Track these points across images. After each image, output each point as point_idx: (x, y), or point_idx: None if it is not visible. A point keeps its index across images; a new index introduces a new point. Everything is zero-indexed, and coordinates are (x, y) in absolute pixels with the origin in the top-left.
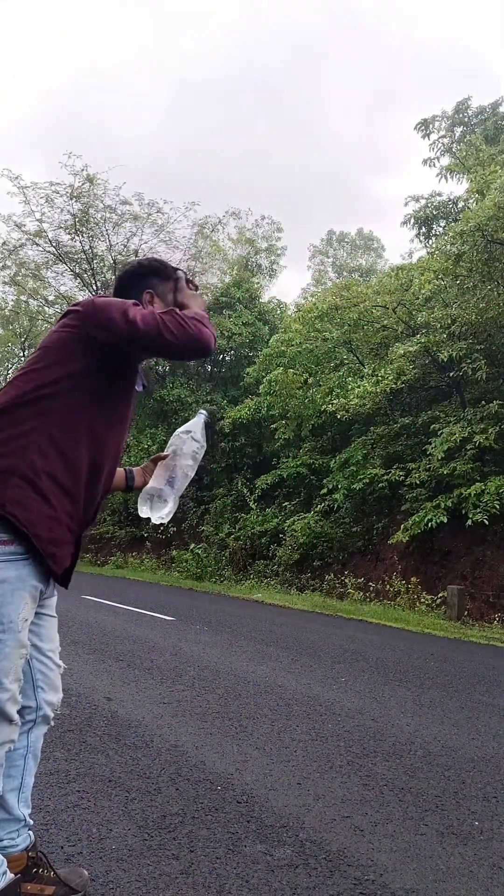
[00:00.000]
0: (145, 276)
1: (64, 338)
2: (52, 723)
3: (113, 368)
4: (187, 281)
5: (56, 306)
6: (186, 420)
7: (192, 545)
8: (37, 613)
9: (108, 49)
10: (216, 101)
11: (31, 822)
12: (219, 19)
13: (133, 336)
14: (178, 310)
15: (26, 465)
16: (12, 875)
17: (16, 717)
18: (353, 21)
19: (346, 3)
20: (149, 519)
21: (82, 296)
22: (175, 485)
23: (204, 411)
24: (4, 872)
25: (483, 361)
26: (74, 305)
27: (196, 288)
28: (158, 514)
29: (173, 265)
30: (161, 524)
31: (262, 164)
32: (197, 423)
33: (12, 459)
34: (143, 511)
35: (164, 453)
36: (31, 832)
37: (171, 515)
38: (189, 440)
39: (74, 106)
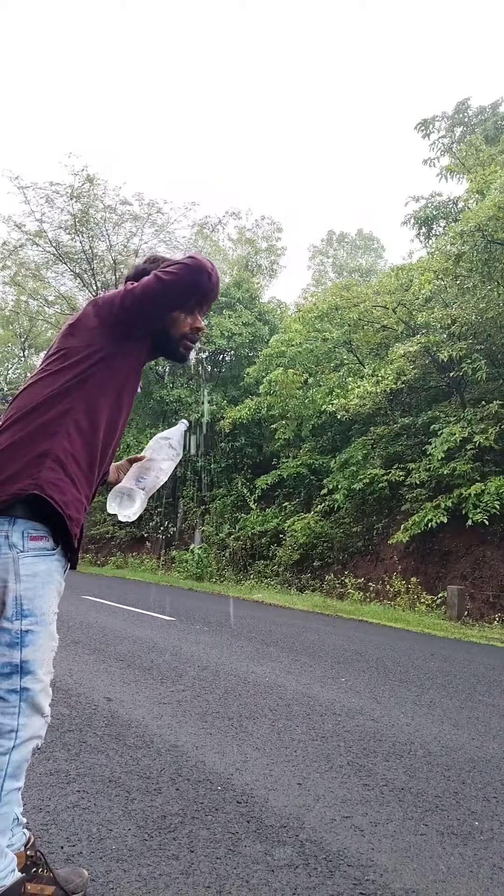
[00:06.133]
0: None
1: (83, 336)
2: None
3: (125, 358)
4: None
5: (56, 306)
6: (186, 420)
7: (193, 545)
8: None
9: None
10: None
11: (25, 819)
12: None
13: (138, 300)
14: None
15: (58, 449)
16: (20, 874)
17: (47, 710)
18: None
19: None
20: (150, 520)
21: (83, 296)
22: (146, 486)
23: (185, 421)
24: (13, 870)
25: (483, 361)
26: (82, 309)
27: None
28: (126, 511)
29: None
30: (127, 521)
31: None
32: (176, 431)
33: (46, 443)
34: (112, 507)
35: (141, 455)
36: (26, 830)
37: (137, 515)
38: (166, 446)
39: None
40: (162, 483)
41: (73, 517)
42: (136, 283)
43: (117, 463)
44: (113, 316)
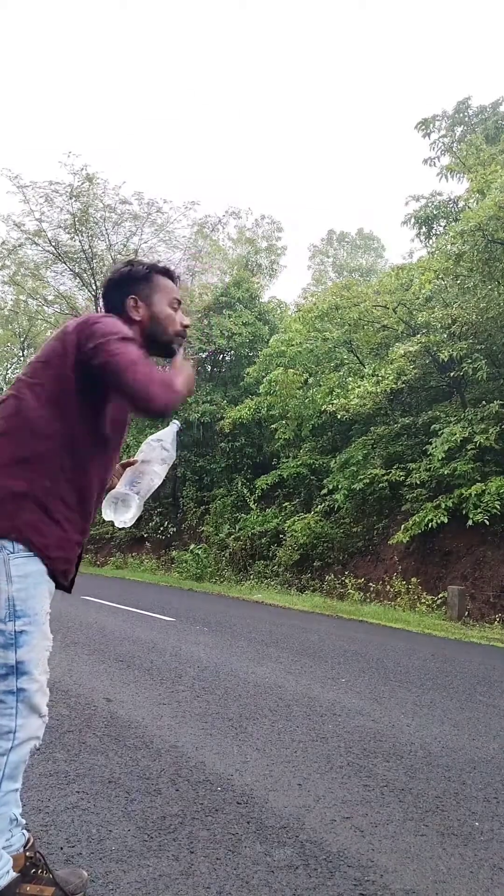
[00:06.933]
0: (127, 282)
1: (60, 356)
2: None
3: (98, 385)
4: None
5: (55, 306)
6: (185, 420)
7: (192, 545)
8: None
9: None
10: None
11: (24, 821)
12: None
13: (103, 364)
14: (154, 365)
15: (39, 489)
16: (14, 874)
17: (45, 710)
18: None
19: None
20: (149, 520)
21: (82, 295)
22: (140, 491)
23: (176, 422)
24: (8, 871)
25: (483, 361)
26: (73, 322)
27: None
28: (122, 517)
29: (146, 267)
30: (123, 528)
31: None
32: (168, 433)
33: (26, 483)
34: (107, 514)
35: (134, 459)
36: (25, 831)
37: (134, 520)
38: (159, 448)
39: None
40: (157, 486)
41: (54, 556)
42: (117, 349)
43: None
44: (77, 351)
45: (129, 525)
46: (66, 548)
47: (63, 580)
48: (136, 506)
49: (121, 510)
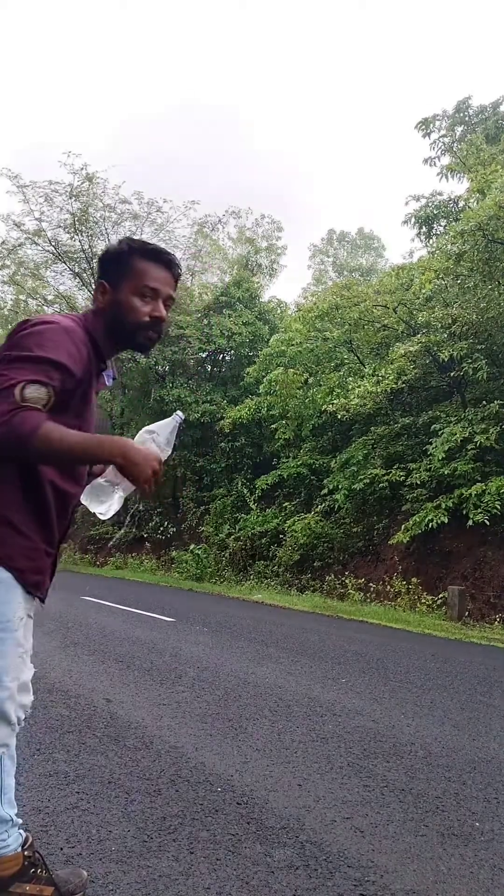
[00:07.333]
0: (100, 267)
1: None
2: (24, 724)
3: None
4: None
5: (55, 306)
6: (185, 420)
7: (192, 546)
8: None
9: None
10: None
11: (20, 820)
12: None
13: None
14: (43, 413)
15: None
16: (15, 847)
17: (14, 718)
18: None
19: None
20: (149, 520)
21: (82, 295)
22: (122, 483)
23: (180, 414)
24: (8, 845)
25: (484, 361)
26: (21, 326)
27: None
28: (99, 508)
29: (117, 246)
30: (103, 519)
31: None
32: (165, 426)
33: None
34: (85, 500)
35: None
36: (22, 831)
37: (112, 512)
38: (150, 441)
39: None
40: None
41: (23, 567)
42: (6, 369)
43: None
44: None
45: (107, 516)
46: (34, 557)
47: (35, 591)
48: (116, 498)
49: (100, 500)
